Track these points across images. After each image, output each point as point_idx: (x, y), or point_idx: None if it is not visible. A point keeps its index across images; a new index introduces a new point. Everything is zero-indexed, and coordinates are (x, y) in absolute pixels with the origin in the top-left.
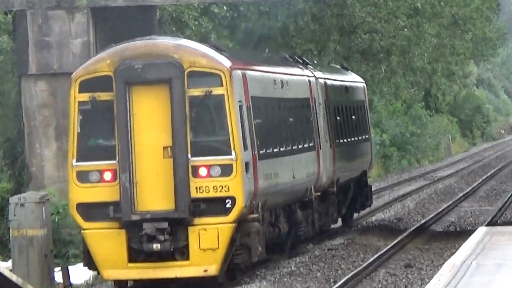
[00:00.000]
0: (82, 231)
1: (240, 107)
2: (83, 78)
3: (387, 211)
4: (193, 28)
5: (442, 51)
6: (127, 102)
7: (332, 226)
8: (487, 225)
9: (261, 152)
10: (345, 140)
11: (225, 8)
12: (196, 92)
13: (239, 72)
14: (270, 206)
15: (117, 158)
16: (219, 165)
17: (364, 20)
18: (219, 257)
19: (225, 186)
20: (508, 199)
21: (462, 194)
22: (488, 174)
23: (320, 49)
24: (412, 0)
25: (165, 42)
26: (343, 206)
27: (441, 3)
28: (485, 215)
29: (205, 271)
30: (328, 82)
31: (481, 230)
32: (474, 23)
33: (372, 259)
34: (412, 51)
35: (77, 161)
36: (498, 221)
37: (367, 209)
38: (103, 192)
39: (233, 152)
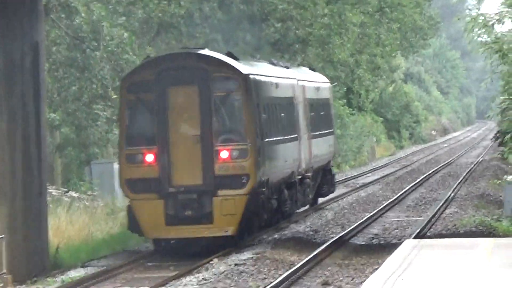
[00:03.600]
0: (129, 200)
1: (253, 104)
2: (130, 81)
3: (302, 222)
4: (83, 15)
5: (366, 41)
6: (165, 101)
7: (298, 210)
8: (415, 237)
9: (266, 140)
10: (318, 133)
11: None
12: (220, 93)
13: (252, 77)
14: (270, 184)
15: (157, 144)
16: (237, 149)
17: (277, 7)
18: (237, 221)
19: (242, 166)
20: (438, 209)
21: (387, 203)
22: (417, 180)
23: (228, 39)
24: None
25: (196, 53)
26: (313, 190)
27: None
28: (413, 226)
29: (226, 231)
30: (305, 83)
31: (408, 243)
32: (403, 11)
33: (284, 276)
34: (332, 41)
35: (126, 146)
36: (427, 233)
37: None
38: (146, 170)
39: (248, 140)
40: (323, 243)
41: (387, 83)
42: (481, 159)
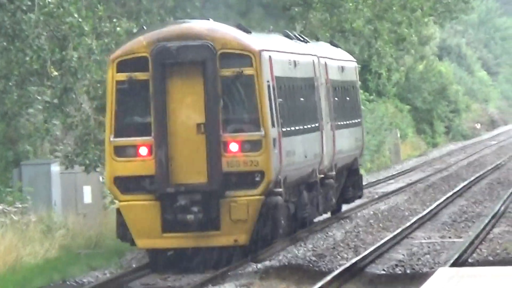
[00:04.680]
0: (118, 203)
1: (268, 86)
2: (120, 58)
3: (303, 243)
4: None
5: (388, 4)
6: (163, 82)
7: (317, 219)
8: (452, 265)
9: (283, 129)
10: (343, 123)
11: None
12: (228, 72)
13: (266, 53)
14: (288, 183)
15: (152, 134)
16: (249, 141)
17: None
18: (249, 228)
19: (254, 161)
20: (484, 227)
21: (415, 219)
22: (455, 189)
23: (205, 1)
24: None
25: (198, 25)
26: (337, 194)
27: None
28: (450, 250)
29: (235, 241)
30: (328, 61)
31: (443, 273)
32: None
33: None
34: (343, 4)
35: (114, 137)
36: (469, 260)
37: (274, 240)
38: (139, 166)
39: (262, 129)
40: (329, 273)
41: (416, 59)
42: None
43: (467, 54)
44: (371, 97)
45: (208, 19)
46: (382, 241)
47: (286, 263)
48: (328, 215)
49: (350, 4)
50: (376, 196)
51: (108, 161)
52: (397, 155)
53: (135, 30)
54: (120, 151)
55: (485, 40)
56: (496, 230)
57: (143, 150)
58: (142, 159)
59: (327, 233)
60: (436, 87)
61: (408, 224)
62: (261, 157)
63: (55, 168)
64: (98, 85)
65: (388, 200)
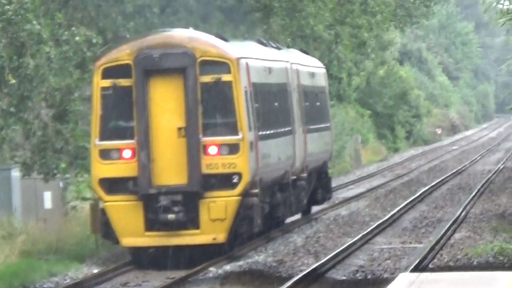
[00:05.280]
0: (103, 203)
1: (245, 92)
2: (105, 65)
3: (263, 249)
4: None
5: (349, 9)
6: (145, 88)
7: (289, 219)
8: (413, 270)
9: (259, 133)
10: (313, 127)
11: None
12: (207, 78)
13: (244, 60)
14: (263, 184)
15: (135, 138)
16: (227, 144)
17: None
18: (227, 227)
19: (232, 163)
20: (445, 233)
21: (376, 225)
22: (416, 195)
23: (164, 5)
24: None
25: (179, 34)
26: (308, 195)
27: None
28: (410, 256)
29: (214, 239)
30: (299, 67)
31: (404, 278)
32: None
33: None
34: (304, 8)
35: (99, 140)
36: (430, 265)
37: (216, 255)
38: (123, 168)
39: (240, 133)
40: (289, 278)
41: (376, 64)
42: (501, 167)
43: (428, 59)
44: (332, 102)
45: (188, 28)
46: (343, 247)
47: (247, 269)
48: (299, 216)
49: (312, 9)
50: (337, 202)
51: (94, 163)
52: (358, 160)
53: (94, 40)
54: (104, 154)
55: (445, 45)
56: (457, 236)
57: (127, 153)
58: (126, 161)
59: (288, 239)
60: (397, 92)
61: (368, 229)
62: (239, 159)
63: (15, 173)
64: (56, 93)
65: (349, 205)
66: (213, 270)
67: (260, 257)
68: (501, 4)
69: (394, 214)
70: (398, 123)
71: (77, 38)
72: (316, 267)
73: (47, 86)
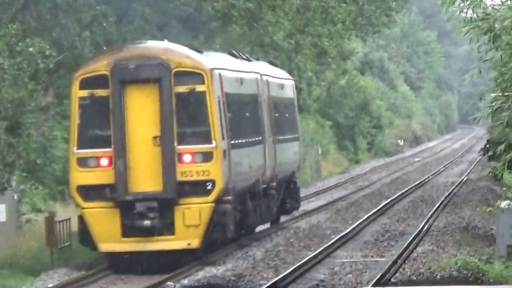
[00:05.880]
0: (81, 210)
1: (218, 102)
2: (83, 76)
3: (221, 263)
4: None
5: (309, 17)
6: (122, 98)
7: (259, 228)
8: (375, 285)
9: (232, 142)
10: (282, 137)
11: None
12: (182, 89)
13: (217, 71)
14: (235, 192)
15: (112, 147)
16: (201, 152)
17: None
18: (201, 233)
19: (206, 171)
20: (407, 246)
21: (336, 238)
22: (378, 208)
23: (120, 14)
24: None
25: (154, 46)
26: (277, 204)
27: None
28: (372, 270)
29: (189, 244)
30: (269, 79)
31: None
32: None
33: None
34: (263, 17)
35: (77, 148)
36: (392, 280)
37: (191, 261)
38: (100, 176)
39: (213, 141)
40: None
41: (337, 74)
42: (465, 179)
43: (389, 69)
44: None
45: (163, 40)
46: (303, 260)
47: (205, 283)
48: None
49: (271, 17)
50: (297, 214)
51: (72, 171)
52: (318, 172)
53: (47, 52)
54: (82, 162)
55: (408, 55)
56: (419, 249)
57: (104, 161)
58: (103, 169)
59: (247, 252)
60: (358, 103)
61: (329, 243)
62: (213, 167)
63: None
64: (9, 105)
65: (309, 218)
66: (170, 285)
67: (218, 271)
68: (464, 12)
69: (356, 227)
70: (359, 134)
71: (31, 49)
72: (276, 281)
73: (0, 98)
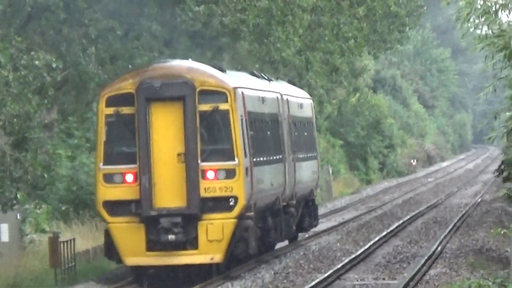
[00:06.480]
0: (107, 224)
1: (241, 120)
2: (109, 94)
3: (230, 285)
4: None
5: (320, 34)
6: (147, 115)
7: (278, 245)
8: None
9: (254, 160)
10: (302, 156)
11: None
12: (206, 107)
13: (240, 90)
14: (257, 208)
15: (137, 163)
16: (224, 169)
17: None
18: (224, 247)
19: (229, 187)
20: (419, 269)
21: (347, 260)
22: (390, 229)
23: (128, 29)
24: None
25: (179, 65)
26: (296, 222)
27: None
28: None
29: (212, 259)
30: (289, 98)
31: None
32: None
33: None
34: (273, 33)
35: (103, 164)
36: None
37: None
38: (125, 191)
39: (236, 159)
40: None
41: (348, 92)
42: (479, 200)
43: (402, 87)
44: None
45: (188, 59)
46: (313, 283)
47: None
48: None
49: (281, 34)
50: (307, 236)
51: (98, 186)
52: (328, 193)
53: (54, 65)
54: (108, 177)
55: (421, 72)
56: (432, 272)
57: (129, 177)
58: (129, 185)
59: (255, 274)
60: (370, 121)
61: (340, 265)
62: (235, 184)
63: None
64: (15, 120)
65: (319, 239)
66: None
67: None
68: (479, 29)
69: (367, 249)
70: (371, 153)
71: (36, 63)
72: None
73: (5, 113)
